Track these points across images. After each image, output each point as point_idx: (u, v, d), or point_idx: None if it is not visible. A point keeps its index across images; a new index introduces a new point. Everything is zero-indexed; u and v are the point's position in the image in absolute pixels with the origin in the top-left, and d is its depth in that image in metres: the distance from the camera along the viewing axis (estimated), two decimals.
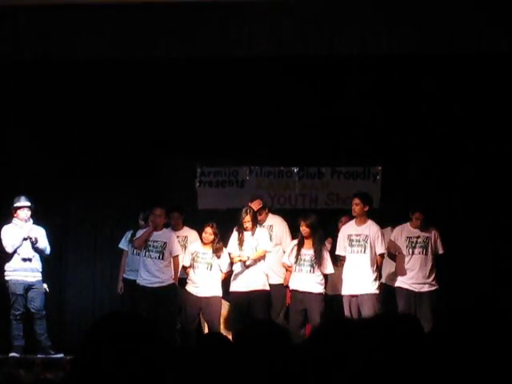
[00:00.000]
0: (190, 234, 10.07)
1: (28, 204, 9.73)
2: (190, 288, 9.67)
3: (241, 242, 9.46)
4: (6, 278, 9.65)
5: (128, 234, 10.05)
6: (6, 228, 9.74)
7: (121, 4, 9.10)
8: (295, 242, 9.49)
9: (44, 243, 9.80)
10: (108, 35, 9.14)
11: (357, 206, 9.33)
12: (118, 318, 2.20)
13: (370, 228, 9.31)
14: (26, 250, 9.66)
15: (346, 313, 9.17)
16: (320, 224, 9.47)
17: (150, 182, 11.04)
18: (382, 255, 9.35)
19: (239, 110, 10.68)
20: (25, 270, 9.63)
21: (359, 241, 9.29)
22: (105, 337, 2.15)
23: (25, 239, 9.66)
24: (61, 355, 9.45)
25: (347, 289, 9.28)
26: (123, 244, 10.09)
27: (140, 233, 9.69)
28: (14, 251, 9.63)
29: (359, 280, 9.19)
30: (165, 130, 10.96)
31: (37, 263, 9.73)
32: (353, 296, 9.23)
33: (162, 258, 9.53)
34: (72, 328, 10.68)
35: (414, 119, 10.59)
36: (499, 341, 2.46)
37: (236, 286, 9.49)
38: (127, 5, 9.07)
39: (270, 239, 9.77)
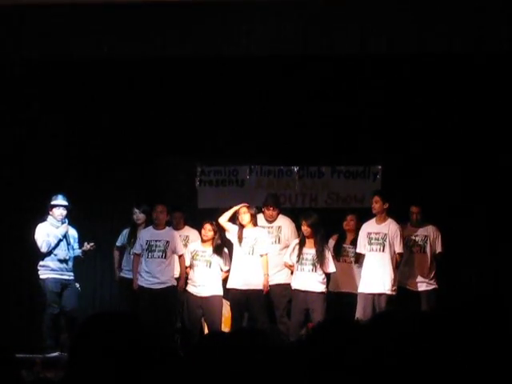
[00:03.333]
0: (192, 233, 10.07)
1: (65, 203, 9.68)
2: (190, 288, 9.66)
3: (240, 238, 9.46)
4: (42, 276, 9.58)
5: (124, 233, 10.05)
6: (40, 227, 9.66)
7: (121, 4, 9.10)
8: (296, 241, 9.50)
9: (76, 245, 9.83)
10: (108, 35, 9.14)
11: (376, 204, 9.32)
12: (106, 318, 2.20)
13: (390, 226, 9.28)
14: (63, 251, 9.61)
15: (360, 311, 9.08)
16: (321, 223, 9.47)
17: (150, 182, 11.04)
18: (400, 254, 9.32)
19: (239, 110, 10.69)
20: (61, 270, 9.60)
21: (378, 239, 9.25)
22: (92, 337, 2.15)
23: (60, 240, 9.62)
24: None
25: (365, 287, 9.22)
26: (119, 241, 10.08)
27: (141, 232, 9.68)
28: (50, 251, 9.59)
29: (378, 279, 9.13)
30: (165, 129, 10.96)
31: (71, 263, 9.76)
32: (370, 294, 9.20)
33: (165, 257, 9.52)
34: (72, 328, 10.67)
35: (414, 119, 10.59)
36: (499, 340, 2.46)
37: (234, 284, 9.47)
38: (127, 5, 9.07)
39: (279, 241, 9.78)
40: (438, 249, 9.54)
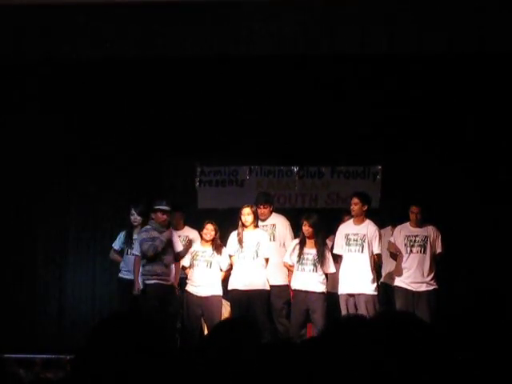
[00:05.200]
0: (192, 233, 10.04)
1: (168, 208, 9.54)
2: (189, 288, 9.65)
3: (240, 241, 9.45)
4: (149, 281, 9.37)
5: (121, 235, 10.01)
6: (143, 231, 9.52)
7: (121, 4, 9.10)
8: (297, 241, 9.49)
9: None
10: (108, 35, 9.14)
11: (356, 206, 9.35)
12: (123, 319, 2.20)
13: (368, 227, 9.31)
14: (169, 256, 9.53)
15: (343, 312, 9.16)
16: (322, 223, 9.47)
17: (150, 182, 11.04)
18: (378, 255, 9.36)
19: (239, 110, 10.69)
20: (165, 275, 9.45)
21: (357, 240, 9.29)
22: (109, 337, 2.15)
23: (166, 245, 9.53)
24: None
25: (344, 288, 9.27)
26: (116, 244, 10.03)
27: (139, 233, 9.64)
28: (156, 256, 9.49)
29: (357, 279, 9.18)
30: (165, 129, 10.96)
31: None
32: (350, 295, 9.23)
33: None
34: (72, 328, 10.69)
35: (414, 119, 10.60)
36: (500, 340, 2.46)
37: (235, 285, 9.47)
38: (128, 4, 9.07)
39: (274, 239, 9.77)
40: (438, 249, 9.53)
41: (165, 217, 9.50)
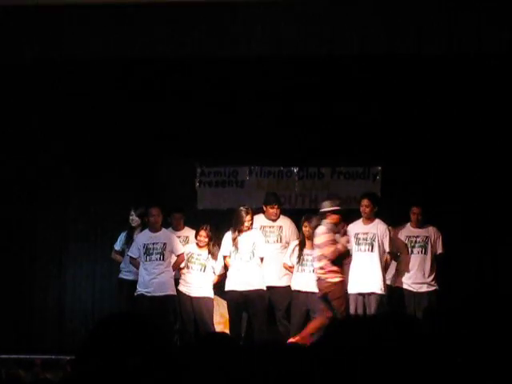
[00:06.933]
0: (191, 234, 10.06)
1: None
2: (181, 288, 9.73)
3: (235, 243, 9.44)
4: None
5: (122, 236, 10.03)
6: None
7: (121, 4, 9.11)
8: (296, 242, 9.49)
9: None
10: (107, 35, 9.14)
11: (367, 208, 9.29)
12: (122, 319, 2.20)
13: (378, 226, 9.28)
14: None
15: (352, 311, 9.12)
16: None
17: (150, 182, 11.05)
18: (390, 253, 9.34)
19: (239, 110, 10.69)
20: None
21: (367, 239, 9.25)
22: (108, 337, 2.15)
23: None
24: None
25: (354, 287, 9.22)
26: (117, 245, 10.05)
27: (137, 236, 9.63)
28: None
29: (368, 278, 9.14)
30: (165, 129, 10.96)
31: None
32: (360, 294, 9.20)
33: (163, 259, 9.49)
34: (72, 328, 10.69)
35: (414, 119, 10.59)
36: (499, 338, 2.46)
37: (232, 286, 9.47)
38: (127, 5, 9.07)
39: (280, 240, 9.77)
40: (439, 250, 9.53)
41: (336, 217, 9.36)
